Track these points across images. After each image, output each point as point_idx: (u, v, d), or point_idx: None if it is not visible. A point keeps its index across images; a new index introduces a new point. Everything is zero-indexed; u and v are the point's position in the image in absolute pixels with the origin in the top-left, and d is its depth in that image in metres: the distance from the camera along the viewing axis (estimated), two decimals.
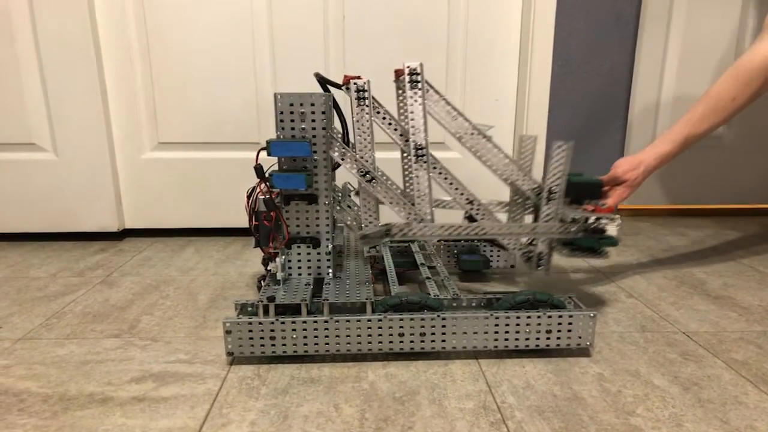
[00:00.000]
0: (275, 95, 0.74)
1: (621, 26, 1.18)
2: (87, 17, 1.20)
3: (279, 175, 0.73)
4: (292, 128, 0.75)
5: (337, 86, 0.86)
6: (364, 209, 0.84)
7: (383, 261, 0.97)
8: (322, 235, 0.80)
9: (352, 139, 0.86)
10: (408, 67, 0.82)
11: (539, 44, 1.28)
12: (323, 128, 0.75)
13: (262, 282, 0.85)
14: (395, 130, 0.83)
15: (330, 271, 0.81)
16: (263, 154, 0.77)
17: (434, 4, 1.25)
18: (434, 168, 0.86)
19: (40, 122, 1.27)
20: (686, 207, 1.65)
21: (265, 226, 0.83)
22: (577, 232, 0.85)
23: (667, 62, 1.50)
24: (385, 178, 0.94)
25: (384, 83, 1.03)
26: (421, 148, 0.82)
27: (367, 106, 0.79)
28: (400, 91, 0.87)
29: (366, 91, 0.79)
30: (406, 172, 0.92)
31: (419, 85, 0.82)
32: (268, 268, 0.79)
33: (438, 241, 1.11)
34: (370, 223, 0.85)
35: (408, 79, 0.81)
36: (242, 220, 1.38)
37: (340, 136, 0.88)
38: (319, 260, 0.81)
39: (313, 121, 0.75)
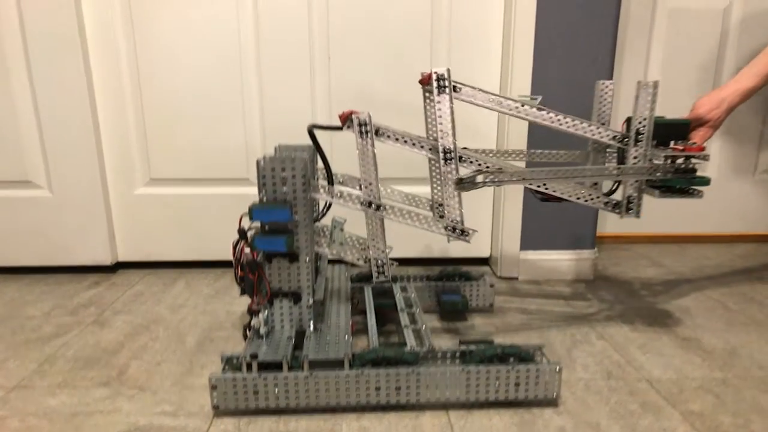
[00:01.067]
0: (257, 162, 0.78)
1: (597, 69, 1.23)
2: (81, 60, 1.24)
3: (261, 238, 0.77)
4: (274, 191, 0.79)
5: (336, 128, 0.90)
6: (371, 237, 0.88)
7: (365, 302, 1.01)
8: (303, 289, 0.84)
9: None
10: (435, 72, 0.84)
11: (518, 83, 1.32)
12: (303, 190, 0.79)
13: (247, 331, 0.89)
14: (405, 142, 0.86)
15: (311, 323, 0.85)
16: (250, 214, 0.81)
17: (416, 39, 1.29)
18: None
19: (36, 161, 1.31)
20: (669, 234, 1.70)
21: (250, 279, 0.87)
22: (666, 173, 0.86)
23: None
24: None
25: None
26: (450, 152, 0.86)
27: (370, 138, 0.83)
28: (428, 95, 0.89)
29: (368, 124, 0.82)
30: (435, 177, 0.96)
31: (447, 90, 0.84)
32: (252, 323, 0.82)
33: (420, 281, 1.15)
34: (382, 252, 0.89)
35: (436, 84, 0.83)
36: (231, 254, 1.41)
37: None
38: (300, 313, 0.85)
39: (294, 184, 0.79)
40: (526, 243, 1.36)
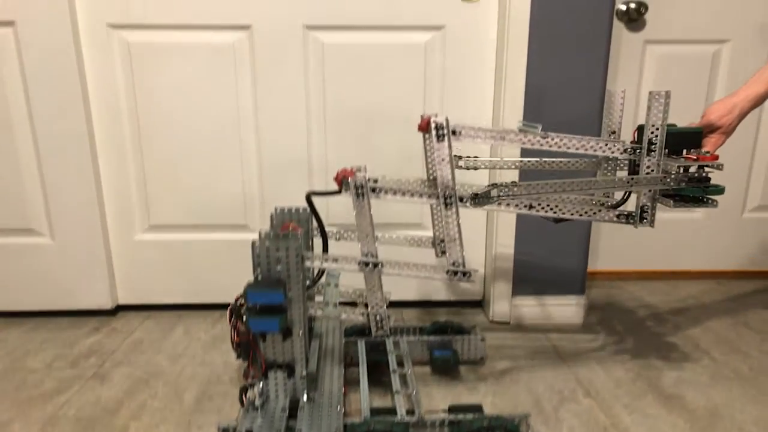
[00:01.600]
0: (252, 243, 0.81)
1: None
2: (83, 118, 1.27)
3: (255, 320, 0.80)
4: (269, 269, 0.82)
5: (334, 193, 0.93)
6: (370, 293, 0.91)
7: (358, 357, 1.04)
8: (297, 361, 0.87)
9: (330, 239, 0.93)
10: (434, 122, 0.85)
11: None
12: (297, 269, 0.82)
13: (244, 396, 0.92)
14: (404, 194, 0.89)
15: (305, 393, 0.88)
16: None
17: (411, 102, 1.32)
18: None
19: (38, 210, 1.34)
20: (659, 270, 1.73)
21: (245, 343, 0.90)
22: (680, 182, 0.85)
23: None
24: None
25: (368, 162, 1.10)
26: (450, 197, 0.88)
27: (367, 200, 0.85)
28: (428, 142, 0.91)
29: (364, 186, 0.85)
30: (436, 219, 0.99)
31: (445, 138, 0.85)
32: (247, 395, 0.85)
33: (413, 335, 1.18)
34: (381, 308, 0.92)
35: (435, 134, 0.85)
36: (229, 297, 1.43)
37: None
38: (294, 384, 0.87)
39: (288, 262, 0.82)
40: (518, 289, 1.39)
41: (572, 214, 0.93)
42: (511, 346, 1.27)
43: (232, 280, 1.43)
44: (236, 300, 0.95)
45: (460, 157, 1.06)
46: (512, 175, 1.29)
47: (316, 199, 0.94)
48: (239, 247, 1.41)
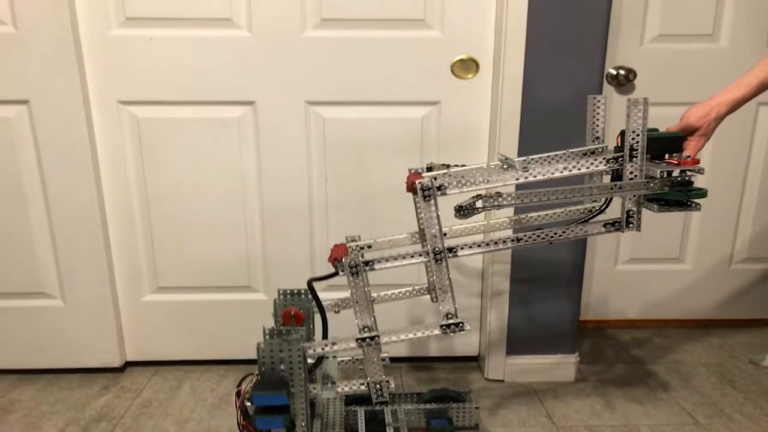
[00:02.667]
0: (258, 344, 0.87)
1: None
2: (94, 184, 1.33)
3: (261, 419, 0.85)
4: (273, 368, 0.87)
5: (333, 275, 0.98)
6: (370, 365, 0.96)
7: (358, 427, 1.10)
8: None
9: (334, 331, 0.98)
10: (420, 183, 0.88)
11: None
12: (300, 367, 0.88)
13: None
14: (395, 259, 0.93)
15: None
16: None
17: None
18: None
19: (50, 273, 1.40)
20: (649, 319, 1.78)
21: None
22: (663, 187, 0.87)
23: None
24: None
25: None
26: (439, 252, 0.92)
27: (361, 279, 0.90)
28: (417, 200, 0.93)
29: (357, 265, 0.90)
30: (429, 272, 1.03)
31: (431, 199, 0.89)
32: None
33: (410, 403, 1.23)
34: (380, 377, 0.97)
35: (421, 195, 0.88)
36: (233, 353, 1.50)
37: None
38: None
39: (291, 362, 0.87)
40: (512, 348, 1.44)
41: (561, 236, 0.94)
42: (505, 409, 1.32)
43: (236, 337, 1.48)
44: (241, 381, 1.01)
45: (448, 166, 1.07)
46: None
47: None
48: (243, 307, 1.47)
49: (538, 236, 0.95)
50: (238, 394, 1.00)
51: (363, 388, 1.00)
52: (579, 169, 0.92)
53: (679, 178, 0.86)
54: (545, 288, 1.41)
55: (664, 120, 1.60)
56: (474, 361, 1.54)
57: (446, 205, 0.98)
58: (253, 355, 1.49)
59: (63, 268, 1.39)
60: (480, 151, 1.37)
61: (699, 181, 1.62)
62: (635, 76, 1.54)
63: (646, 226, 1.68)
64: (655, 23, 1.54)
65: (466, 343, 1.52)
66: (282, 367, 0.87)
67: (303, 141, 1.35)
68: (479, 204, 0.89)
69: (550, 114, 1.29)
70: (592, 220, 0.98)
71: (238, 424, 1.02)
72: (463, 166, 1.05)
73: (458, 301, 1.46)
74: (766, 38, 1.55)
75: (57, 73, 1.25)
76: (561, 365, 1.44)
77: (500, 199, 0.88)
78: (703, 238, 1.71)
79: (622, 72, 1.53)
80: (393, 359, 1.52)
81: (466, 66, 1.31)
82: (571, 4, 1.24)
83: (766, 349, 1.60)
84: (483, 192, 0.92)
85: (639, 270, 1.74)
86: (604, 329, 1.76)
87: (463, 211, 0.89)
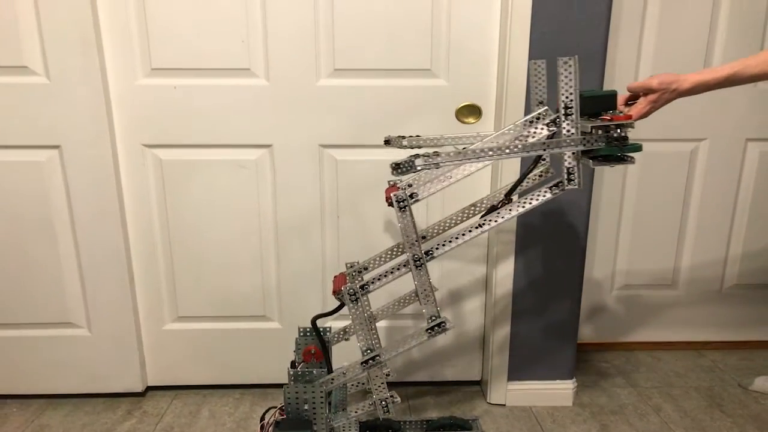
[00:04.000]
0: (284, 388, 0.95)
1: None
2: (119, 221, 1.41)
3: None
4: (297, 408, 0.96)
5: (337, 310, 1.06)
6: (374, 385, 1.04)
7: None
8: None
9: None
10: (395, 196, 0.93)
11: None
12: (321, 405, 0.96)
13: None
14: (386, 276, 1.01)
15: None
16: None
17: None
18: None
19: (77, 305, 1.48)
20: (643, 342, 1.86)
21: None
22: (599, 142, 0.89)
23: None
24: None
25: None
26: (418, 260, 0.99)
27: (361, 305, 0.98)
28: (396, 211, 0.98)
29: (356, 292, 0.98)
30: (413, 278, 1.09)
31: (407, 210, 0.95)
32: None
33: (419, 429, 1.31)
34: (384, 394, 1.05)
35: (397, 206, 0.94)
36: (249, 378, 1.58)
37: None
38: None
39: (314, 402, 0.96)
40: (513, 373, 1.52)
41: (518, 210, 0.98)
42: None
43: (252, 364, 1.57)
44: (264, 414, 1.09)
45: (403, 137, 1.14)
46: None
47: None
48: (258, 335, 1.55)
49: (499, 215, 0.99)
50: (262, 427, 1.08)
51: (371, 407, 1.07)
52: (526, 140, 0.95)
53: (614, 134, 0.87)
54: (545, 317, 1.49)
55: (657, 156, 1.69)
56: (477, 386, 1.62)
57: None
58: (268, 380, 1.58)
59: (89, 300, 1.47)
60: (483, 191, 1.45)
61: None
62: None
63: (639, 254, 1.77)
64: (648, 64, 1.62)
65: (469, 369, 1.60)
66: (306, 407, 0.95)
67: (316, 181, 1.44)
68: (418, 162, 0.91)
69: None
70: (538, 188, 1.00)
71: None
72: (418, 136, 1.13)
73: (462, 332, 1.55)
74: None
75: (87, 120, 1.34)
76: (560, 390, 1.53)
77: (438, 159, 0.90)
78: (695, 264, 1.80)
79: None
80: (402, 383, 1.60)
81: (470, 111, 1.39)
82: (570, 51, 1.31)
83: (754, 372, 1.68)
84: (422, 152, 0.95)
85: (633, 295, 1.82)
86: (601, 352, 1.84)
87: (401, 169, 0.91)
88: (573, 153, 0.94)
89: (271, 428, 1.02)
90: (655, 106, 1.02)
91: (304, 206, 1.46)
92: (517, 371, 1.52)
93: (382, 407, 1.06)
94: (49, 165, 1.37)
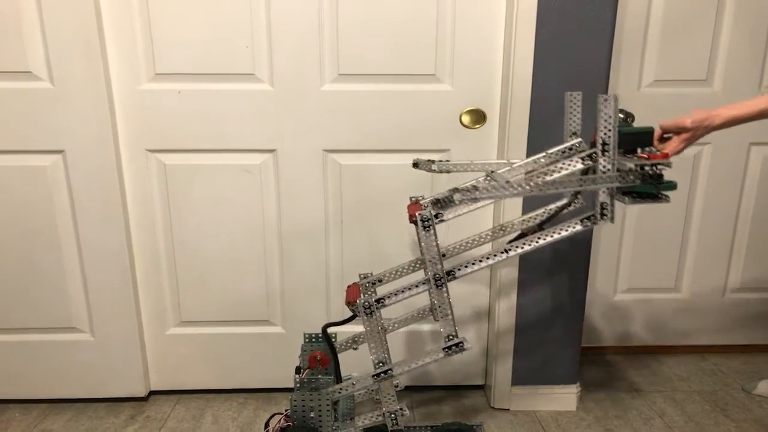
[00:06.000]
0: (290, 397, 0.95)
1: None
2: (123, 226, 1.41)
3: None
4: (303, 416, 0.95)
5: (349, 320, 1.06)
6: (383, 393, 1.03)
7: None
8: None
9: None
10: (420, 215, 0.93)
11: None
12: (327, 413, 0.96)
13: None
14: (403, 292, 1.02)
15: None
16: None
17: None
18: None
19: (80, 310, 1.48)
20: (647, 345, 1.86)
21: None
22: (635, 180, 0.90)
23: None
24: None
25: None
26: (440, 279, 0.99)
27: (375, 317, 0.98)
28: (418, 230, 0.99)
29: (371, 305, 0.98)
30: (432, 296, 1.08)
31: (431, 229, 0.95)
32: None
33: None
34: (394, 406, 1.04)
35: (421, 225, 0.95)
36: (252, 383, 1.58)
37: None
38: None
39: (320, 410, 0.95)
40: (517, 378, 1.52)
41: (546, 239, 0.99)
42: None
43: (255, 368, 1.56)
44: (269, 420, 1.09)
45: (432, 161, 1.15)
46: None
47: None
48: (262, 339, 1.55)
49: (525, 243, 1.00)
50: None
51: (380, 419, 1.08)
52: (560, 172, 0.97)
53: (649, 171, 0.88)
54: (549, 321, 1.49)
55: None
56: (481, 390, 1.62)
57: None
58: (271, 385, 1.58)
59: (92, 305, 1.47)
60: (486, 211, 1.44)
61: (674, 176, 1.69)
62: (633, 119, 1.62)
63: (643, 257, 1.77)
64: (651, 68, 1.62)
65: (473, 373, 1.60)
66: (312, 414, 0.95)
67: (320, 186, 1.43)
68: (456, 197, 0.91)
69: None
70: (569, 219, 1.01)
71: None
72: (448, 161, 1.14)
73: (465, 334, 1.55)
74: (758, 82, 1.64)
75: (91, 124, 1.33)
76: (563, 395, 1.52)
77: (477, 193, 0.91)
78: (698, 268, 1.79)
79: (621, 115, 1.61)
80: (406, 388, 1.59)
81: (475, 117, 1.39)
82: (574, 56, 1.32)
83: (757, 376, 1.68)
84: (460, 185, 0.95)
85: (636, 299, 1.82)
86: (604, 356, 1.84)
87: (440, 204, 0.92)
88: (608, 189, 0.95)
89: None
90: (689, 144, 1.03)
91: (308, 211, 1.45)
92: (521, 376, 1.52)
93: (392, 419, 1.06)
94: (53, 170, 1.37)
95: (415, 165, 1.17)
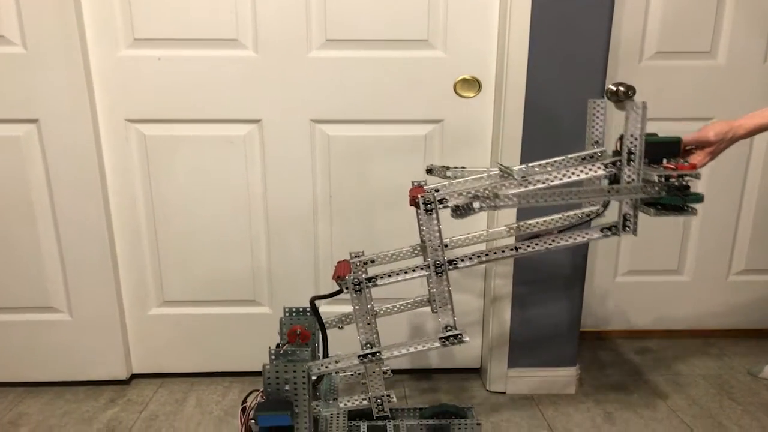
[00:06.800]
0: (264, 366, 0.89)
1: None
2: (101, 201, 1.35)
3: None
4: (278, 389, 0.89)
5: (336, 293, 0.99)
6: (371, 380, 0.98)
7: None
8: None
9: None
10: (422, 197, 0.88)
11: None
12: (304, 388, 0.90)
13: None
14: (398, 274, 0.95)
15: None
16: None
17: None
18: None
19: (57, 288, 1.41)
20: (648, 330, 1.80)
21: None
22: (660, 191, 0.88)
23: None
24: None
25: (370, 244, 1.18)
26: (440, 266, 0.93)
27: (364, 295, 0.93)
28: (419, 214, 0.94)
29: (360, 282, 0.92)
30: (430, 285, 1.04)
31: (434, 212, 0.90)
32: None
33: (413, 418, 1.25)
34: (380, 391, 0.99)
35: (424, 208, 0.89)
36: (238, 366, 1.52)
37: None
38: None
39: (295, 382, 0.89)
40: (513, 361, 1.46)
41: (559, 243, 0.95)
42: (506, 423, 1.34)
43: (241, 350, 1.50)
44: (246, 397, 1.03)
45: (447, 168, 1.10)
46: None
47: None
48: (248, 320, 1.49)
49: (537, 244, 0.96)
50: (243, 410, 1.02)
51: (364, 402, 1.02)
52: (578, 176, 0.92)
53: (676, 183, 0.86)
54: (547, 301, 1.43)
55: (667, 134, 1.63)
56: (476, 373, 1.56)
57: (446, 212, 0.99)
58: (257, 368, 1.51)
59: (70, 283, 1.41)
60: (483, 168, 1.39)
61: (697, 187, 1.64)
62: (634, 92, 1.56)
63: (644, 238, 1.71)
64: (653, 40, 1.56)
65: (468, 356, 1.54)
66: (287, 387, 0.89)
67: (308, 158, 1.37)
68: (476, 205, 0.88)
69: (553, 129, 1.31)
70: (588, 226, 0.98)
71: None
72: (463, 168, 1.09)
73: (460, 317, 1.49)
74: (763, 55, 1.58)
75: (66, 92, 1.27)
76: (562, 378, 1.46)
77: (497, 200, 0.88)
78: (701, 250, 1.73)
79: (621, 88, 1.54)
80: (395, 371, 1.53)
81: (469, 85, 1.33)
82: (573, 23, 1.26)
83: (764, 360, 1.62)
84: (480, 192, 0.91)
85: (638, 282, 1.76)
86: (604, 340, 1.78)
87: (460, 211, 0.89)
88: (632, 200, 0.91)
89: (253, 412, 0.96)
90: (713, 157, 1.01)
91: (295, 185, 1.39)
92: (518, 358, 1.46)
93: (377, 405, 1.00)
94: (27, 140, 1.31)
95: (429, 171, 1.14)
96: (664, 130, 1.60)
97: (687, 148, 1.03)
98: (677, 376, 1.56)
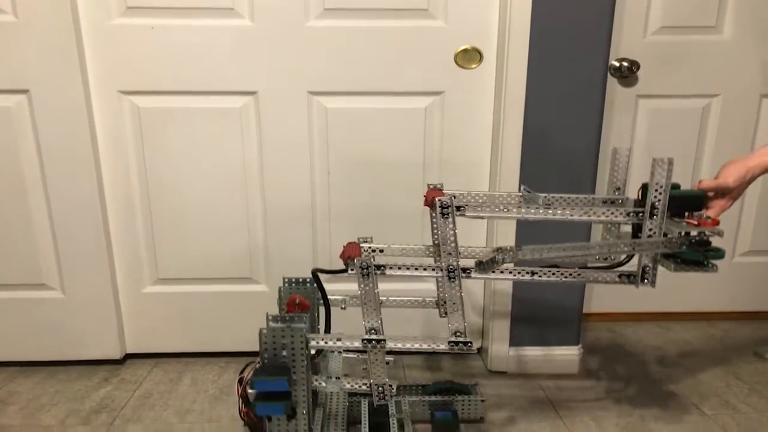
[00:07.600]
0: (260, 330, 0.86)
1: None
2: (94, 175, 1.32)
3: (260, 405, 0.85)
4: (275, 354, 0.86)
5: (341, 271, 0.97)
6: (373, 366, 0.96)
7: (361, 418, 1.09)
8: None
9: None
10: (439, 200, 0.88)
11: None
12: (302, 354, 0.87)
13: None
14: (407, 269, 0.93)
15: None
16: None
17: (412, 161, 1.37)
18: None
19: (50, 265, 1.38)
20: (651, 312, 1.78)
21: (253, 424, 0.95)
22: (681, 246, 0.88)
23: None
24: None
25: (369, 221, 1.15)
26: (453, 270, 0.91)
27: (371, 280, 0.90)
28: (434, 216, 0.93)
29: (369, 267, 0.89)
30: (440, 288, 1.01)
31: (450, 216, 0.88)
32: None
33: (415, 395, 1.22)
34: (383, 379, 0.97)
35: (440, 211, 0.88)
36: (234, 345, 1.49)
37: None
38: None
39: (293, 348, 0.86)
40: (515, 339, 1.43)
41: (575, 278, 0.95)
42: (509, 401, 1.31)
43: (237, 329, 1.47)
44: (244, 368, 1.00)
45: (454, 196, 1.08)
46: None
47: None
48: (244, 299, 1.46)
49: (554, 274, 0.96)
50: (240, 381, 0.99)
51: (365, 388, 0.99)
52: (598, 216, 0.93)
53: (697, 238, 0.86)
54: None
55: (669, 113, 1.60)
56: (477, 353, 1.53)
57: (462, 221, 0.97)
58: (255, 347, 1.48)
59: (63, 259, 1.38)
60: (483, 140, 1.36)
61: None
62: (638, 68, 1.54)
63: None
64: (657, 15, 1.53)
65: (469, 335, 1.50)
66: (284, 353, 0.86)
67: (305, 131, 1.34)
68: (499, 257, 0.89)
69: (555, 103, 1.28)
70: (607, 269, 0.98)
71: (240, 412, 1.01)
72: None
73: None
74: None
75: (57, 62, 1.24)
76: (565, 357, 1.43)
77: (519, 253, 0.88)
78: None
79: (625, 64, 1.53)
80: (395, 350, 1.50)
81: (470, 56, 1.30)
82: None
83: None
84: (503, 245, 0.96)
85: None
86: (608, 322, 1.75)
87: (483, 266, 0.88)
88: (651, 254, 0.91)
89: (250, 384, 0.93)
90: (735, 200, 1.00)
91: (292, 159, 1.36)
92: (520, 337, 1.43)
93: (378, 392, 0.97)
94: (17, 111, 1.28)
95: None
96: (668, 107, 1.59)
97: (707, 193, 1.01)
98: (682, 357, 1.53)
